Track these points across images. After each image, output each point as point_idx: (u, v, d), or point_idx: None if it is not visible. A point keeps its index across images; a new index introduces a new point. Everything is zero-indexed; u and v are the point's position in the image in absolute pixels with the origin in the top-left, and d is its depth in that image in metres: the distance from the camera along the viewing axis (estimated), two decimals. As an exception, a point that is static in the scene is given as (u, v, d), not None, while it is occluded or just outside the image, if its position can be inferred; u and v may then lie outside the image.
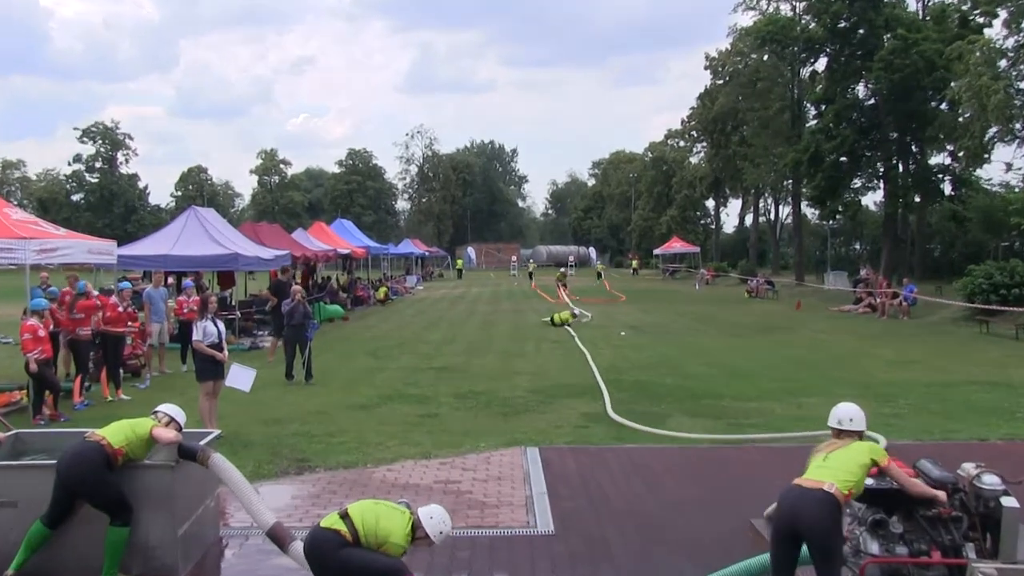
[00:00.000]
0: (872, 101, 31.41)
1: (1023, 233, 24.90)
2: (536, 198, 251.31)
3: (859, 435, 4.11)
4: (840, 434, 4.09)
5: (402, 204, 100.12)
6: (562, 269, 36.32)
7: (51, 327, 9.87)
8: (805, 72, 36.90)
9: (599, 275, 49.73)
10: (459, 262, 59.44)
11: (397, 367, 13.13)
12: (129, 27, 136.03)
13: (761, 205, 53.49)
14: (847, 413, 4.14)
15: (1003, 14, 24.16)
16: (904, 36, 27.68)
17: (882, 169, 31.37)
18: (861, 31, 30.67)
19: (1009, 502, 3.85)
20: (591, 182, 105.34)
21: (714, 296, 33.77)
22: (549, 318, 20.31)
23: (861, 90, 32.15)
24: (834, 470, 3.78)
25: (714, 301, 30.18)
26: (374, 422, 8.79)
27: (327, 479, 6.62)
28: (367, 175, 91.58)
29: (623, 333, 18.18)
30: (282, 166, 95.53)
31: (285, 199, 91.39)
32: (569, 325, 19.15)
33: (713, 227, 63.93)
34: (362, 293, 28.35)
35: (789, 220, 46.57)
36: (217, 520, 5.42)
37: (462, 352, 15.12)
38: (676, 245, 53.29)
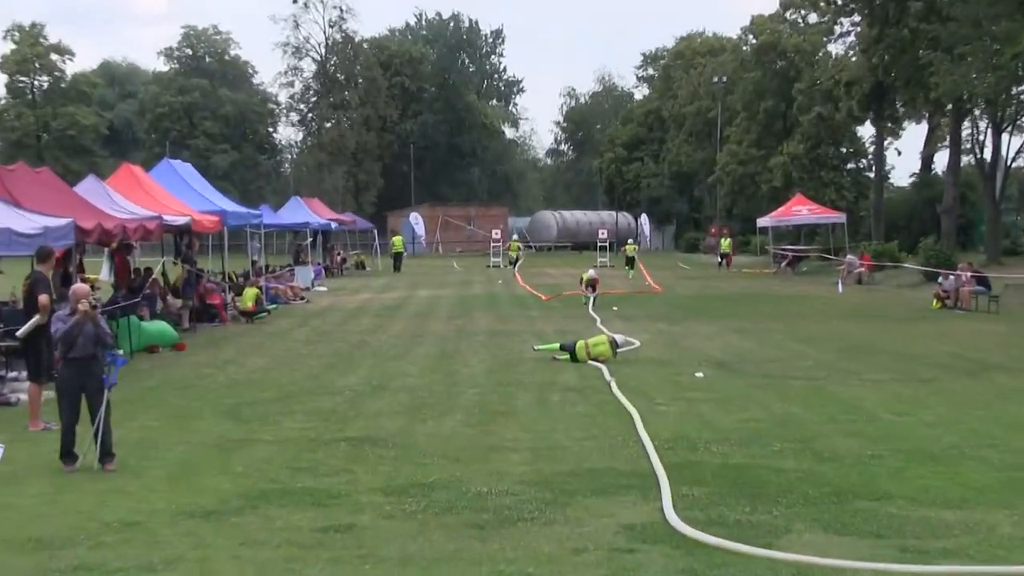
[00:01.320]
0: None
1: None
2: (538, 122, 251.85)
3: None
4: None
5: (288, 132, 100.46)
6: (590, 272, 34.61)
7: None
8: None
9: (630, 262, 49.68)
10: (396, 241, 59.47)
11: (278, 438, 13.17)
12: None
13: (965, 135, 53.78)
14: None
15: None
16: None
17: None
18: None
19: None
20: (640, 93, 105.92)
21: (872, 305, 33.93)
22: (560, 346, 20.41)
23: None
24: None
25: (872, 315, 30.34)
26: (231, 542, 8.77)
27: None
28: (222, 78, 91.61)
29: (700, 374, 18.30)
30: (55, 58, 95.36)
31: (63, 120, 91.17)
32: (603, 361, 19.19)
33: (871, 176, 64.27)
34: (213, 299, 28.23)
35: (1021, 163, 46.76)
36: None
37: (400, 409, 15.19)
38: (801, 210, 53.61)
